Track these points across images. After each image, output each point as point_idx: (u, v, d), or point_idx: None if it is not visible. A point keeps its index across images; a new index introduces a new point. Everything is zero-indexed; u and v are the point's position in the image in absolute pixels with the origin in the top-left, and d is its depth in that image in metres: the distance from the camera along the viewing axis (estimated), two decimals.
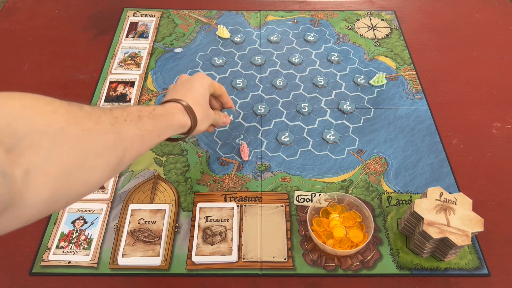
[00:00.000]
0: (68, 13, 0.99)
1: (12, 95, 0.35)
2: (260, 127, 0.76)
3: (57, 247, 0.60)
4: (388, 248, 0.61)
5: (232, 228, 0.62)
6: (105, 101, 0.79)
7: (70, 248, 0.60)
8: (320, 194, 0.66)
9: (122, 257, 0.59)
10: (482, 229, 0.55)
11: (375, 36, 0.94)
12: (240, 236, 0.61)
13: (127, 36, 0.93)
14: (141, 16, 0.98)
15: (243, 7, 1.01)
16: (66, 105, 0.38)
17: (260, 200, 0.66)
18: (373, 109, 0.79)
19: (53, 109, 0.37)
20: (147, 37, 0.93)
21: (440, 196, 0.58)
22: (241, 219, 0.63)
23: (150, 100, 0.80)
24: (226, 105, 0.67)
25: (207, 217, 0.63)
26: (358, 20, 0.98)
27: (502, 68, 0.87)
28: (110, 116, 0.43)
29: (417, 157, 0.71)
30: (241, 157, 0.71)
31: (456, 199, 0.58)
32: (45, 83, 0.82)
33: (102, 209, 0.64)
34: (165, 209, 0.64)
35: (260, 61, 0.88)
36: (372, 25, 0.97)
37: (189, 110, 0.55)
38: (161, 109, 0.52)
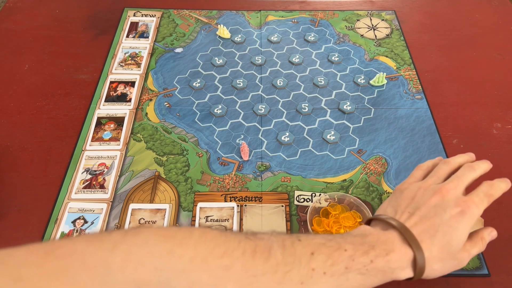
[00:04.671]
0: (68, 13, 0.99)
1: (188, 239, 0.29)
2: (260, 127, 0.76)
3: None
4: None
5: (232, 228, 0.62)
6: (105, 101, 0.79)
7: None
8: (320, 194, 0.66)
9: None
10: None
11: (376, 36, 0.94)
12: None
13: (127, 36, 0.93)
14: (142, 16, 0.98)
15: (244, 7, 1.02)
16: (249, 256, 0.31)
17: (260, 200, 0.66)
18: (373, 109, 0.79)
19: (229, 263, 0.30)
20: (147, 37, 0.93)
21: None
22: (241, 219, 0.63)
23: (151, 100, 0.80)
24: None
25: (207, 217, 0.63)
26: (358, 20, 0.98)
27: (502, 68, 0.87)
28: (305, 268, 0.33)
29: (418, 157, 0.71)
30: (241, 157, 0.71)
31: None
32: (45, 83, 0.82)
33: (102, 208, 0.64)
34: (165, 209, 0.64)
35: (260, 61, 0.88)
36: (373, 25, 0.97)
37: (419, 266, 0.39)
38: (382, 262, 0.37)
